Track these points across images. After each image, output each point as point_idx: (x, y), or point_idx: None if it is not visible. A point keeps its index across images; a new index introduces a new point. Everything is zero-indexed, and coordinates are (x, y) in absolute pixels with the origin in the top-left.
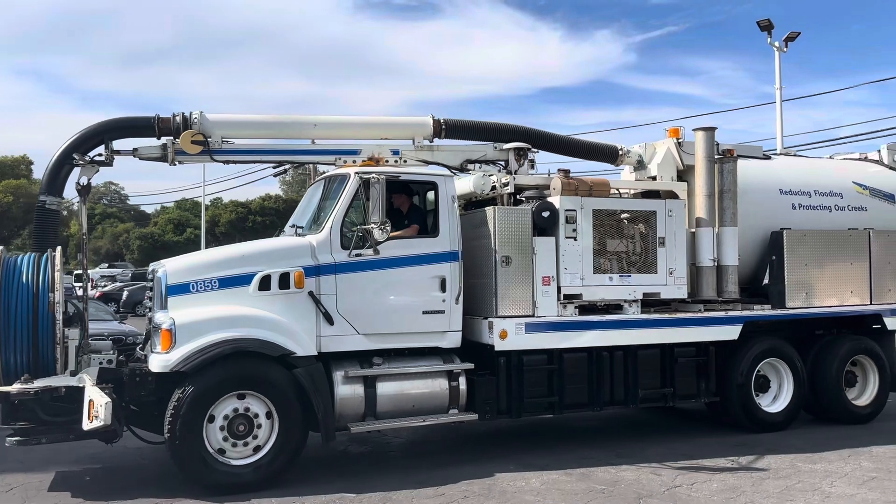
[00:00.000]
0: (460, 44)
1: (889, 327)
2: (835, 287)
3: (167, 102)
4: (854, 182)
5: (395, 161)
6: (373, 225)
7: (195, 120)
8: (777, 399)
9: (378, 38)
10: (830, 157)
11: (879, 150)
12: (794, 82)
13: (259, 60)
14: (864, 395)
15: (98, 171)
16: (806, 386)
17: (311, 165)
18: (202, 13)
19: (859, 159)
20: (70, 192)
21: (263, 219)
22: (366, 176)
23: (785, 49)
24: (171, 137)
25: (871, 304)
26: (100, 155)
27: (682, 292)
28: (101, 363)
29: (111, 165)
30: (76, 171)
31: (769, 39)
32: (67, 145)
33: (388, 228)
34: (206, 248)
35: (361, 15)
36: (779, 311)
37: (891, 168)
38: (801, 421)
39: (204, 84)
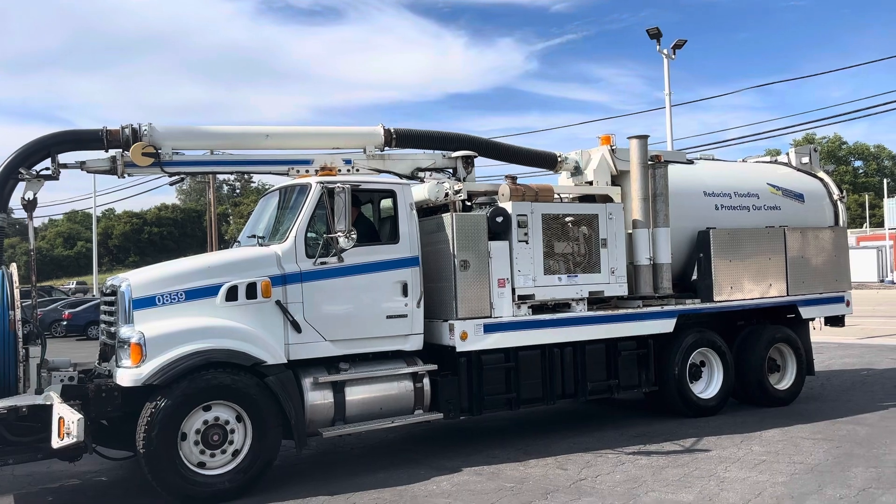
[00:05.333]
0: (365, 50)
1: (804, 316)
2: (756, 281)
3: (58, 110)
4: (768, 183)
5: (348, 170)
6: (339, 233)
7: (145, 132)
8: (709, 386)
9: (281, 43)
10: (744, 160)
11: (788, 154)
12: (685, 87)
13: (157, 66)
14: (784, 379)
15: (43, 184)
16: (733, 372)
17: (209, 176)
18: (94, 17)
19: (770, 162)
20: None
21: (160, 229)
22: (330, 185)
23: (673, 56)
24: (120, 150)
25: (788, 295)
26: (46, 169)
27: (623, 290)
28: (62, 380)
29: (57, 179)
30: (20, 185)
31: (658, 47)
32: (12, 160)
33: (354, 236)
34: (98, 261)
35: (263, 20)
36: (708, 305)
37: (799, 170)
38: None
39: (98, 91)
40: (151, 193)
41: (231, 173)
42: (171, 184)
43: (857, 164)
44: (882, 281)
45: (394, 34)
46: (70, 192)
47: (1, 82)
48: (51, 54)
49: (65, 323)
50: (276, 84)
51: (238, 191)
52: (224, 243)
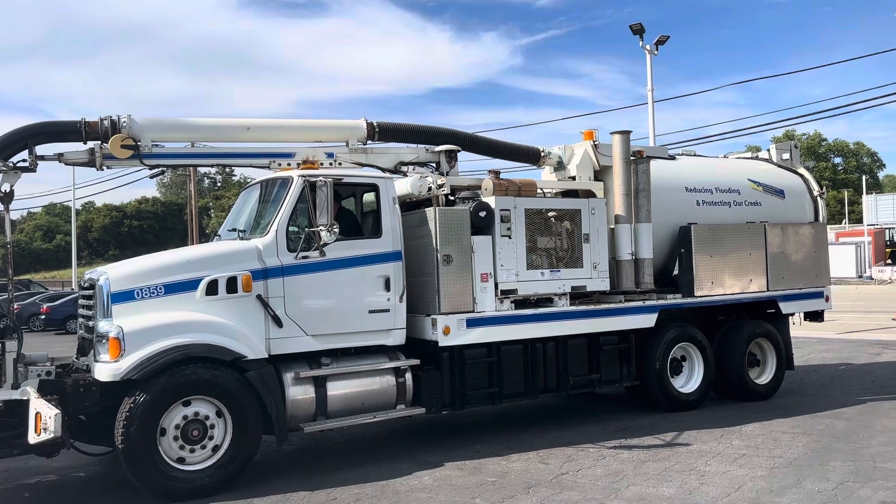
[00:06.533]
0: (349, 43)
1: (783, 311)
2: (737, 276)
3: (38, 101)
4: (749, 179)
5: (330, 163)
6: (321, 227)
7: (124, 123)
8: (690, 380)
9: (264, 35)
10: (725, 157)
11: (769, 150)
12: (667, 83)
13: (137, 57)
14: (764, 374)
15: (20, 177)
16: (713, 367)
17: (190, 169)
18: (74, 7)
19: (751, 158)
20: None
21: (140, 223)
22: (312, 179)
23: (656, 52)
24: (99, 142)
25: (768, 290)
26: (23, 161)
27: (605, 285)
28: (39, 375)
29: (35, 171)
30: None
31: (641, 43)
32: None
33: (336, 230)
34: (78, 254)
35: (246, 12)
36: (689, 300)
37: (779, 166)
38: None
39: (78, 82)
40: (132, 186)
41: (211, 166)
42: (152, 177)
43: (837, 160)
44: (860, 277)
45: (378, 28)
46: (49, 185)
47: None
48: (30, 45)
49: (43, 317)
50: (258, 77)
51: (219, 184)
52: (205, 237)
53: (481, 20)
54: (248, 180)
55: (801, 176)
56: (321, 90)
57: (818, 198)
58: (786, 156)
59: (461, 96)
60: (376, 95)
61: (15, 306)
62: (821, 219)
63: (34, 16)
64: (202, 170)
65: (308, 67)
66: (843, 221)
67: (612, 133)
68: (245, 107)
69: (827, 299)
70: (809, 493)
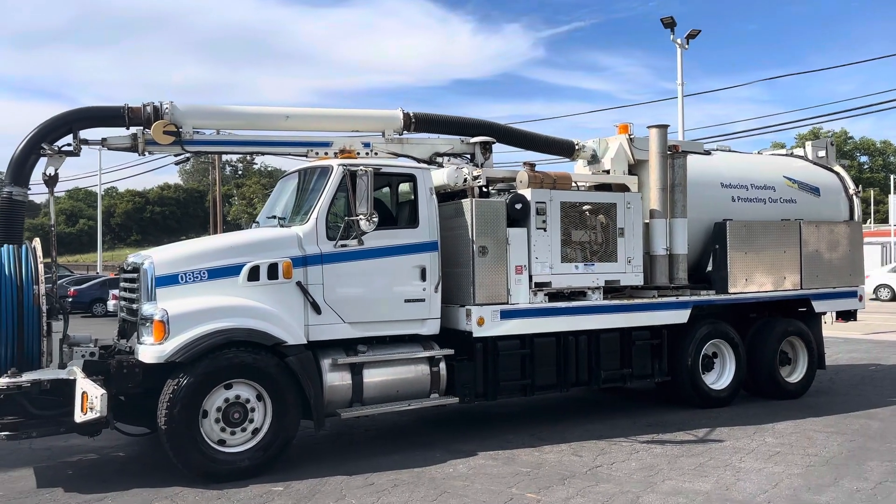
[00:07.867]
0: (370, 33)
1: (816, 310)
2: (771, 273)
3: (62, 87)
4: (784, 176)
5: (367, 153)
6: (360, 216)
7: (166, 110)
8: (721, 377)
9: (286, 24)
10: (759, 153)
11: (804, 147)
12: (692, 78)
13: (161, 44)
14: (795, 372)
15: (65, 160)
16: (745, 364)
17: (214, 156)
18: None
19: (787, 155)
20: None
21: (162, 209)
22: (353, 168)
23: (686, 46)
24: (142, 127)
25: (801, 288)
26: (68, 145)
27: (639, 279)
28: (83, 355)
29: (79, 155)
30: (42, 161)
31: (672, 36)
32: (34, 135)
33: (376, 219)
34: (102, 239)
35: (270, 0)
36: (723, 296)
37: (815, 163)
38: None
39: (102, 68)
40: (154, 173)
41: (250, 154)
42: (177, 163)
43: (863, 159)
44: None
45: (400, 18)
46: (73, 170)
47: (7, 58)
48: (56, 30)
49: (70, 300)
50: (280, 66)
51: (240, 171)
52: (227, 224)
53: (504, 12)
54: (270, 169)
55: (837, 174)
56: (342, 80)
57: (854, 196)
58: (821, 153)
59: (482, 88)
60: (397, 86)
61: (54, 288)
62: (856, 217)
63: (62, 2)
64: (224, 157)
65: (330, 57)
66: (869, 221)
67: (649, 127)
68: (266, 95)
69: (860, 299)
70: (848, 492)
